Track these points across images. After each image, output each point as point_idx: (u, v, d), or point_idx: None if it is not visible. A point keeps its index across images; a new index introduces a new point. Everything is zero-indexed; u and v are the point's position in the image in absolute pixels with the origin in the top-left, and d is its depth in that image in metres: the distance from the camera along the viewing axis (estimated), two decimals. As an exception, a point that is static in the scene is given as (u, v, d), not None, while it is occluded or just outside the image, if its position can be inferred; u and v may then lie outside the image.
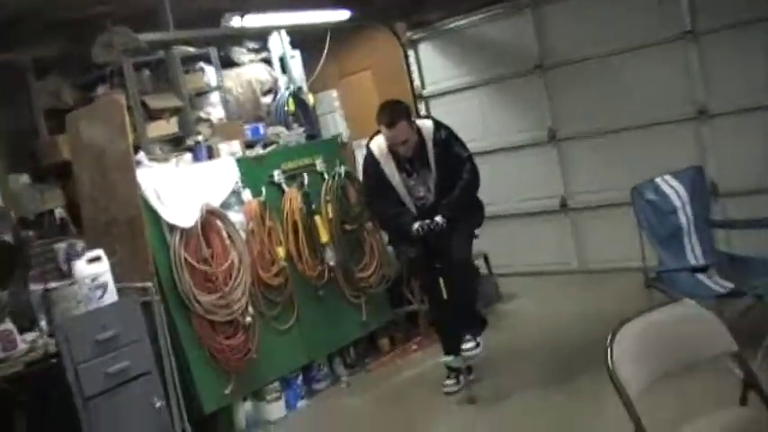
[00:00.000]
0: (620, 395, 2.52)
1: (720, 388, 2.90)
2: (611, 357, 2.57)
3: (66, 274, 4.95)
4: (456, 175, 5.08)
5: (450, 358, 5.26)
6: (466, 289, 5.25)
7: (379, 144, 5.20)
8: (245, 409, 5.45)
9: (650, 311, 2.82)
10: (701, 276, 4.91)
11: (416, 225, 5.04)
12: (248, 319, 5.35)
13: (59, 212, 5.93)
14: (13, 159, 5.97)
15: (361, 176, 5.80)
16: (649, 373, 2.62)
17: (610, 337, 2.63)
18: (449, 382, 5.33)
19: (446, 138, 5.08)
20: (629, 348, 2.63)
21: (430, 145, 5.07)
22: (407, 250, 5.56)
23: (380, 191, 5.26)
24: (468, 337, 5.12)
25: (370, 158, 5.25)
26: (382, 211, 5.48)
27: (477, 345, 5.12)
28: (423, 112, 7.90)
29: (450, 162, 5.07)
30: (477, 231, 5.36)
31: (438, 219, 5.01)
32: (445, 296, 5.16)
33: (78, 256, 4.92)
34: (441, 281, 5.16)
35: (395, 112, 5.01)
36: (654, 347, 2.69)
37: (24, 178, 6.00)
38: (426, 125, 5.14)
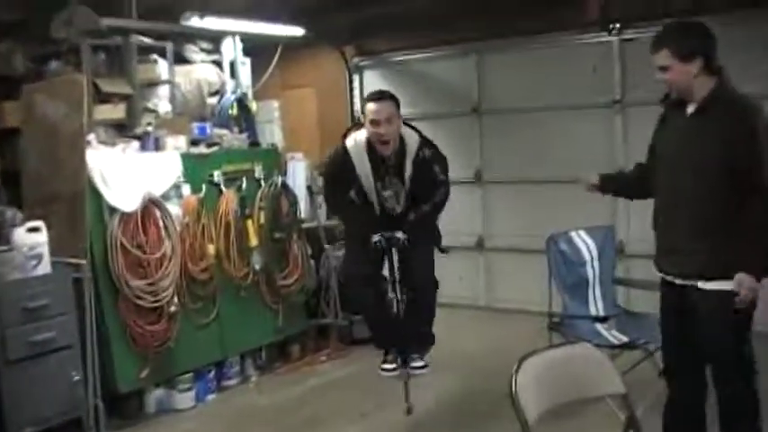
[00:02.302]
0: (518, 418, 2.84)
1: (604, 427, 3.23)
2: (515, 384, 2.90)
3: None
4: (428, 195, 4.73)
5: (391, 366, 4.91)
6: (430, 308, 4.96)
7: (355, 138, 4.74)
8: (155, 394, 5.56)
9: (552, 348, 3.15)
10: (599, 326, 5.17)
11: (377, 237, 4.68)
12: (173, 308, 5.49)
13: (-8, 180, 5.98)
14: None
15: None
16: (546, 401, 2.94)
17: (516, 366, 2.95)
18: (387, 366, 4.92)
19: (429, 158, 4.69)
20: (530, 378, 2.94)
21: (410, 159, 4.67)
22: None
23: (342, 180, 4.81)
24: (416, 356, 4.89)
25: (342, 150, 4.76)
26: (341, 202, 4.95)
27: (426, 365, 4.89)
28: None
29: (426, 183, 4.71)
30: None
31: (400, 234, 4.69)
32: (400, 313, 4.90)
33: (17, 224, 5.06)
34: (397, 296, 4.89)
35: (385, 93, 4.74)
36: (552, 380, 2.98)
37: (-41, 142, 6.01)
38: (412, 136, 4.71)
